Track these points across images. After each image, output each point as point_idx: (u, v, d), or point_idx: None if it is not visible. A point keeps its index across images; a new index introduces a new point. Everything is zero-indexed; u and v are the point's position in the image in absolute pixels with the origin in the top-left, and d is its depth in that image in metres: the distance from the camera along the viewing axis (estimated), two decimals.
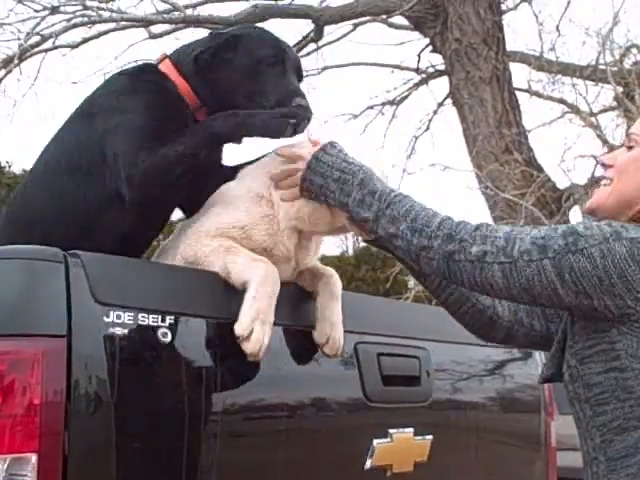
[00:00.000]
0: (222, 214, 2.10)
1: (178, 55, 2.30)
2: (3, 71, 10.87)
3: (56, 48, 10.98)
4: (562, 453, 3.26)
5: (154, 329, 1.74)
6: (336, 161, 1.89)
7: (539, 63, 10.10)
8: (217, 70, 2.19)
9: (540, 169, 9.34)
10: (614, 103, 9.89)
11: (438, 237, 1.69)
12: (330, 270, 2.19)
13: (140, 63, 2.48)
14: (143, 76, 2.25)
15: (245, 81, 2.17)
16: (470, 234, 1.68)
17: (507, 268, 1.63)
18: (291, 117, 2.04)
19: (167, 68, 2.26)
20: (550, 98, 10.47)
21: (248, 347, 1.85)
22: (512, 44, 10.36)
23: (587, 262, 1.59)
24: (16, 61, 10.58)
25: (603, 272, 1.58)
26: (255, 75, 2.16)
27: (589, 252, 1.59)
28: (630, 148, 1.81)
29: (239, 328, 1.86)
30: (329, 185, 1.87)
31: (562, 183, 9.51)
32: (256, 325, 1.86)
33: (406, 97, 11.76)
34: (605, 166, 1.85)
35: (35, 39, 10.82)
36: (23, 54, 10.70)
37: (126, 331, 1.69)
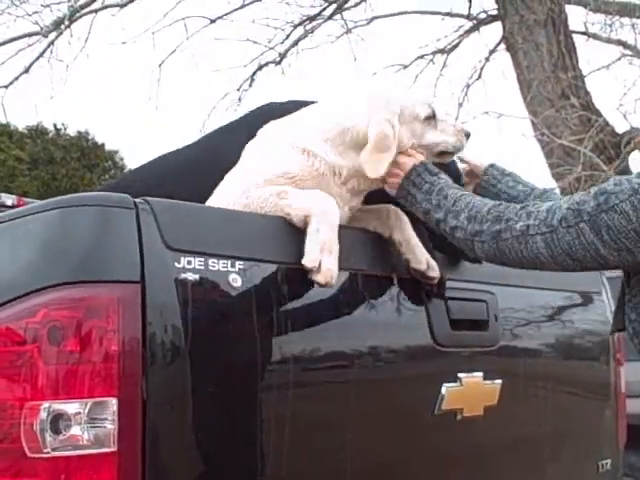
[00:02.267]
0: (267, 164, 2.12)
1: None
2: (54, 34, 10.93)
3: (105, 8, 10.99)
4: (632, 400, 3.22)
5: (225, 274, 1.74)
6: (432, 178, 2.03)
7: (596, 4, 9.78)
8: None
9: (598, 113, 9.11)
10: None
11: (488, 220, 1.78)
12: (391, 206, 2.20)
13: None
14: None
15: None
16: (516, 213, 1.75)
17: (549, 237, 1.69)
18: None
19: None
20: (608, 40, 10.14)
21: (320, 278, 1.87)
22: None
23: (621, 218, 1.61)
24: (66, 22, 10.62)
25: (637, 223, 1.60)
26: None
27: (621, 208, 1.61)
28: None
29: (308, 261, 1.87)
30: (417, 196, 2.02)
31: (621, 127, 9.28)
32: (324, 256, 1.88)
33: (457, 45, 11.52)
34: None
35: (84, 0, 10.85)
36: (73, 15, 10.73)
37: (197, 277, 1.69)
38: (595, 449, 2.92)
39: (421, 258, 2.14)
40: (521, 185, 2.40)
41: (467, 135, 2.25)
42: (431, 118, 2.21)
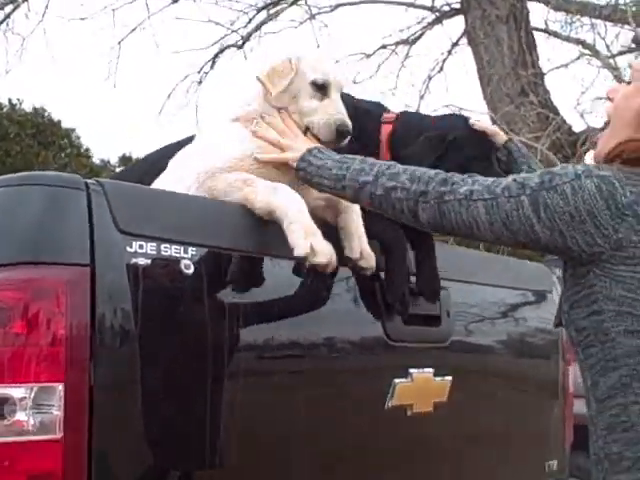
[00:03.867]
0: (227, 149, 2.12)
1: (401, 135, 2.43)
2: (11, 6, 10.70)
3: None
4: (580, 400, 3.25)
5: (177, 260, 1.72)
6: (331, 154, 2.00)
7: (557, 2, 9.84)
8: None
9: (556, 112, 9.19)
10: (633, 44, 9.69)
11: (434, 181, 1.78)
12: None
13: (374, 102, 2.61)
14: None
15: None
16: (462, 178, 1.77)
17: (489, 204, 1.70)
18: None
19: (385, 131, 2.44)
20: (568, 39, 10.24)
21: (321, 259, 1.89)
22: None
23: (560, 198, 1.64)
24: None
25: (574, 208, 1.63)
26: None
27: (562, 189, 1.65)
28: (629, 83, 1.79)
29: (300, 250, 1.87)
30: (327, 164, 1.97)
31: (578, 126, 9.38)
32: (312, 239, 1.89)
33: (420, 37, 11.54)
34: (610, 99, 1.84)
35: None
36: None
37: (149, 261, 1.66)
38: (542, 449, 2.95)
39: (355, 247, 2.12)
40: (533, 162, 2.44)
41: (341, 132, 2.17)
42: (320, 88, 2.19)
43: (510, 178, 1.73)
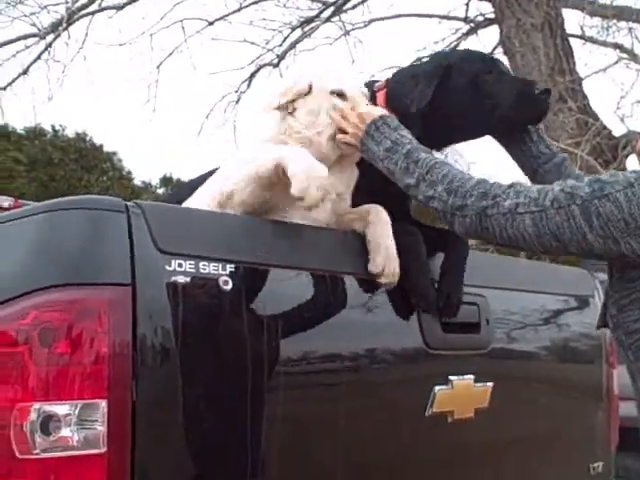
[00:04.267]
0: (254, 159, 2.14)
1: (393, 89, 2.41)
2: (52, 35, 10.94)
3: (103, 10, 11.00)
4: (625, 403, 3.22)
5: (215, 277, 1.76)
6: (392, 133, 2.00)
7: (593, 7, 9.79)
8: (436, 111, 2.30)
9: (595, 117, 9.11)
10: None
11: (472, 195, 1.76)
12: (376, 206, 2.20)
13: (366, 81, 2.58)
14: None
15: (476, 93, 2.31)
16: (504, 190, 1.75)
17: (537, 217, 1.70)
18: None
19: (380, 98, 2.41)
20: (605, 43, 10.15)
21: (308, 201, 1.91)
22: None
23: (613, 206, 1.64)
24: (64, 24, 10.63)
25: (629, 215, 1.63)
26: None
27: (614, 197, 1.64)
28: None
29: (297, 189, 1.89)
30: (380, 153, 1.99)
31: (618, 130, 9.28)
32: (310, 183, 1.90)
33: (455, 47, 11.54)
34: None
35: (82, 1, 10.86)
36: (71, 17, 10.74)
37: (188, 279, 1.70)
38: (587, 451, 2.93)
39: (379, 262, 2.10)
40: (543, 145, 2.38)
41: None
42: (340, 96, 2.21)
43: (557, 188, 1.72)
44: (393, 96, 2.41)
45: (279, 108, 2.23)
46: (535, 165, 2.33)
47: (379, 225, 2.15)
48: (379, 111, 2.12)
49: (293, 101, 2.22)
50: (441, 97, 2.30)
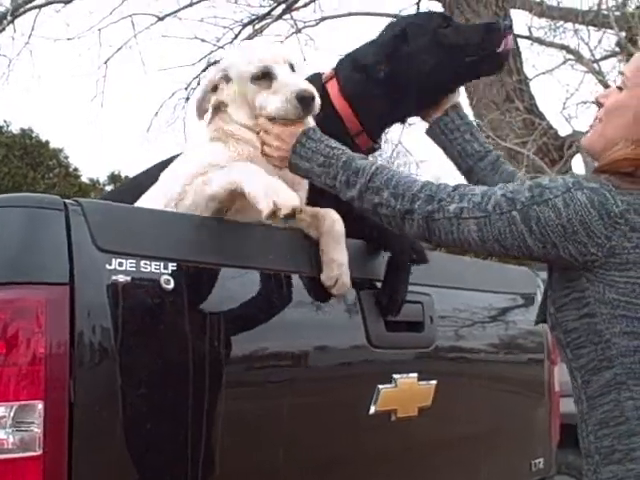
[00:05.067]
0: (192, 161, 2.12)
1: (344, 73, 2.36)
2: None
3: (50, 4, 10.83)
4: (566, 399, 3.28)
5: (157, 276, 1.74)
6: (319, 146, 1.94)
7: (540, 9, 9.92)
8: (393, 77, 2.28)
9: (542, 117, 9.26)
10: (617, 48, 9.75)
11: (419, 199, 1.76)
12: (331, 212, 2.16)
13: (310, 75, 2.42)
14: None
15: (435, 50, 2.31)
16: (449, 193, 1.76)
17: (482, 222, 1.72)
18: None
19: (332, 88, 2.34)
20: (552, 44, 10.30)
21: (285, 211, 1.82)
22: None
23: (551, 212, 1.67)
24: (9, 18, 10.44)
25: (566, 220, 1.66)
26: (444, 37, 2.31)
27: (553, 202, 1.67)
28: (620, 89, 1.84)
29: (264, 212, 1.82)
30: (314, 169, 1.93)
31: (564, 131, 9.44)
32: (273, 197, 1.82)
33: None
34: (600, 104, 1.89)
35: None
36: (16, 10, 10.56)
37: (128, 278, 1.68)
38: (528, 448, 2.97)
39: (332, 276, 2.09)
40: (477, 143, 2.38)
41: (301, 97, 2.00)
42: (263, 78, 2.08)
43: (499, 193, 1.73)
44: (346, 80, 2.35)
45: (201, 114, 2.18)
46: (471, 163, 2.36)
47: (332, 237, 2.11)
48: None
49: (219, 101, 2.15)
50: (405, 62, 2.29)
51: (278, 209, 1.82)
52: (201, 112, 2.20)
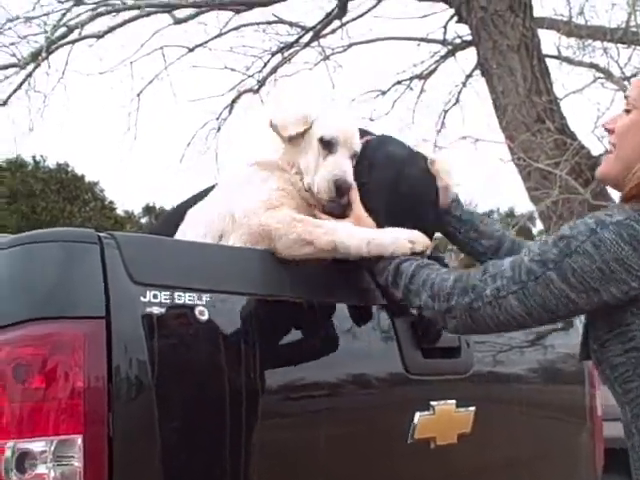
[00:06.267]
0: (264, 185, 2.14)
1: None
2: (32, 65, 10.93)
3: (83, 39, 11.01)
4: (609, 423, 3.22)
5: (191, 307, 1.74)
6: None
7: (568, 28, 9.87)
8: None
9: (573, 137, 9.17)
10: None
11: (454, 295, 1.77)
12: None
13: None
14: None
15: None
16: (480, 279, 1.75)
17: (520, 294, 1.70)
18: None
19: None
20: (581, 63, 10.24)
21: (420, 247, 1.98)
22: (539, 10, 10.17)
23: (584, 258, 1.64)
24: (44, 54, 10.63)
25: (601, 262, 1.63)
26: None
27: (583, 249, 1.65)
28: (628, 112, 1.83)
29: (405, 248, 1.95)
30: (373, 272, 2.02)
31: (597, 150, 9.34)
32: (401, 237, 1.96)
33: (434, 70, 11.63)
34: (608, 131, 1.87)
35: (61, 31, 10.87)
36: (50, 47, 10.74)
37: (163, 310, 1.69)
38: (572, 473, 2.92)
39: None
40: (485, 239, 2.31)
41: (339, 188, 2.11)
42: (327, 145, 2.16)
43: (526, 259, 1.72)
44: None
45: (288, 137, 2.20)
46: (490, 255, 2.27)
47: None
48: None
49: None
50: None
51: (415, 243, 1.96)
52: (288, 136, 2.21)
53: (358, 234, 2.00)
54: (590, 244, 1.64)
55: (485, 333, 1.86)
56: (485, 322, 1.75)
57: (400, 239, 1.97)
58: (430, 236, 2.14)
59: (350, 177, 2.14)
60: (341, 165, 2.14)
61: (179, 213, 2.55)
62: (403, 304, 1.95)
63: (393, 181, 2.16)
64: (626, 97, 1.85)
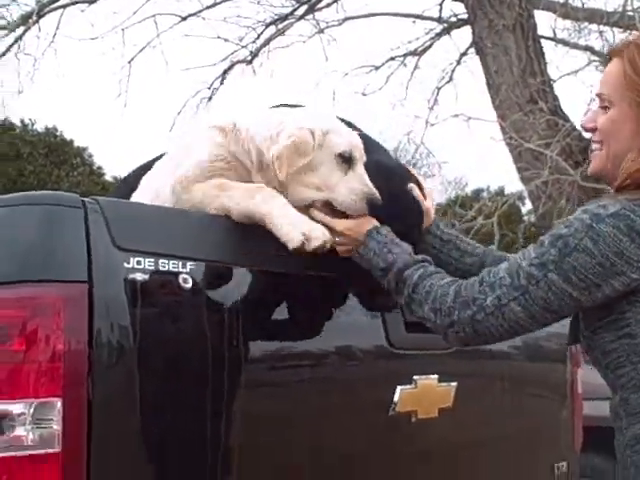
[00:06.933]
0: (195, 155, 2.08)
1: None
2: (22, 28, 10.82)
3: (74, 3, 10.90)
4: (589, 402, 3.24)
5: (175, 275, 1.74)
6: (382, 250, 1.96)
7: (564, 10, 9.82)
8: None
9: (566, 118, 9.17)
10: None
11: (456, 309, 1.76)
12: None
13: None
14: None
15: None
16: (479, 290, 1.75)
17: (522, 299, 1.69)
18: None
19: None
20: (576, 46, 10.22)
21: (315, 243, 1.88)
22: None
23: (584, 255, 1.64)
24: (35, 17, 10.52)
25: (601, 256, 1.63)
26: None
27: (582, 246, 1.64)
28: (605, 108, 1.82)
29: (294, 242, 1.86)
30: (375, 273, 1.97)
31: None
32: (303, 228, 1.87)
33: (428, 47, 11.56)
34: (587, 130, 1.87)
35: None
36: (41, 10, 10.63)
37: (147, 276, 1.68)
38: (551, 450, 2.94)
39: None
40: (468, 256, 2.25)
41: (372, 204, 2.02)
42: (346, 161, 2.06)
43: (524, 264, 1.71)
44: None
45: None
46: (475, 272, 2.07)
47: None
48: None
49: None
50: None
51: (309, 241, 1.88)
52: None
53: (264, 206, 1.93)
54: (588, 240, 1.64)
55: (491, 343, 1.85)
56: (490, 332, 1.75)
57: (294, 231, 1.89)
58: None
59: (377, 192, 2.05)
60: (367, 181, 2.06)
61: (135, 177, 2.53)
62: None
63: (382, 191, 2.09)
64: (599, 95, 1.84)
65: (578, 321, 1.85)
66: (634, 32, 9.54)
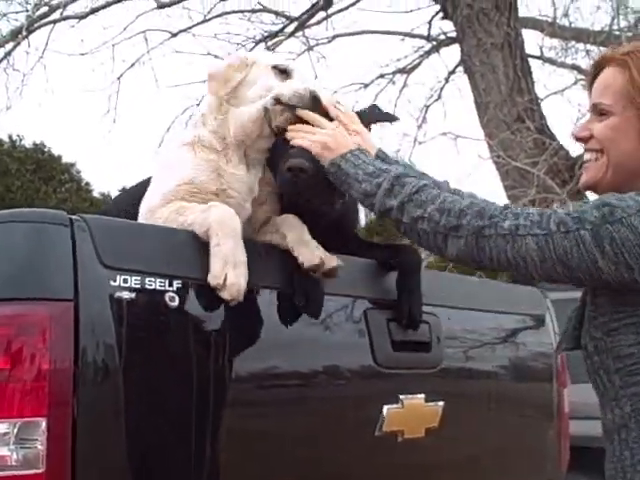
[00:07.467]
0: (163, 180, 2.10)
1: None
2: (11, 44, 10.80)
3: (64, 19, 10.89)
4: (575, 421, 3.24)
5: (161, 293, 1.73)
6: (375, 162, 1.89)
7: (552, 29, 9.90)
8: None
9: (552, 137, 9.21)
10: None
11: (467, 214, 1.66)
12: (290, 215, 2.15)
13: None
14: None
15: None
16: (501, 211, 1.66)
17: (542, 240, 1.60)
18: None
19: None
20: (563, 65, 10.28)
21: (225, 294, 1.79)
22: (525, 10, 10.21)
23: (628, 231, 1.56)
24: (24, 33, 10.50)
25: None
26: None
27: (629, 221, 1.56)
28: (602, 116, 1.75)
29: (212, 278, 1.80)
30: (358, 175, 1.85)
31: (575, 151, 9.39)
32: (228, 270, 1.80)
33: (417, 65, 11.62)
34: (582, 140, 1.79)
35: (43, 10, 10.74)
36: (31, 25, 10.62)
37: (133, 295, 1.68)
38: (537, 470, 2.94)
39: (311, 255, 2.01)
40: None
41: (316, 97, 2.04)
42: (282, 72, 2.14)
43: (561, 211, 1.62)
44: None
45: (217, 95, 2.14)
46: None
47: (294, 229, 2.10)
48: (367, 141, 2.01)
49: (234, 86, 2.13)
50: None
51: (223, 288, 1.79)
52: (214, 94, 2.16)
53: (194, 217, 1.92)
54: (638, 219, 1.55)
55: (482, 266, 1.72)
56: (489, 253, 1.64)
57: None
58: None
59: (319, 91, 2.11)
60: (307, 84, 2.14)
61: (118, 205, 2.51)
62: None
63: None
64: (595, 105, 1.77)
65: (581, 325, 1.77)
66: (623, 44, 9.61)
